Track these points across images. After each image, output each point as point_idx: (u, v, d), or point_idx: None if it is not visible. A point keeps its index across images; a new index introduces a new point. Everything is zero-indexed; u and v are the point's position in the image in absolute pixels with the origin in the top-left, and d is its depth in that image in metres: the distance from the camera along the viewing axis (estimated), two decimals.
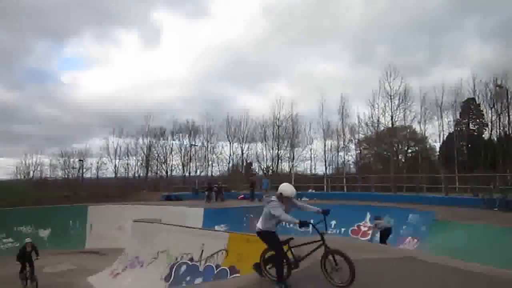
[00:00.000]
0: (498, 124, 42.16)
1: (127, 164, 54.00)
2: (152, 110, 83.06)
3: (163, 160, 54.02)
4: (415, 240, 14.81)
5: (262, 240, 6.50)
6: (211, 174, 51.72)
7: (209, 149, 53.43)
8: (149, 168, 54.12)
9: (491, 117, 43.03)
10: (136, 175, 54.19)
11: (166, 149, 53.97)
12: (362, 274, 7.30)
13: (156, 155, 54.14)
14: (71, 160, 54.10)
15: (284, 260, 6.27)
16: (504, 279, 6.76)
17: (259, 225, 6.47)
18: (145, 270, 15.08)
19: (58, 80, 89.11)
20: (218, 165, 53.93)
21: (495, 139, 42.82)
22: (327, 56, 78.54)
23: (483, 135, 45.55)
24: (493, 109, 42.43)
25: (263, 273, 6.66)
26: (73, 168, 53.97)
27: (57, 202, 29.46)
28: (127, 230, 19.21)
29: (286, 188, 6.30)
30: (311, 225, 5.89)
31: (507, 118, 41.13)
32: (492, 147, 41.82)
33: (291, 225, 6.32)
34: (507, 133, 41.65)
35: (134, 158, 54.09)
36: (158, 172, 54.39)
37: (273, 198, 6.27)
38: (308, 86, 73.74)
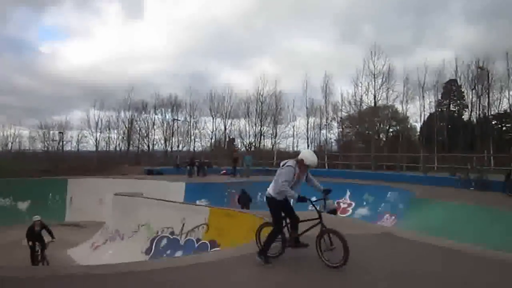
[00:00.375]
0: (478, 105, 42.78)
1: (108, 138, 53.42)
2: (134, 83, 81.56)
3: (145, 134, 53.61)
4: (393, 217, 15.13)
5: (268, 206, 6.25)
6: (194, 149, 51.60)
7: (191, 124, 53.12)
8: (131, 142, 53.64)
9: (472, 99, 43.63)
10: (118, 149, 53.69)
11: (148, 123, 53.49)
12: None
13: (138, 129, 53.64)
14: (51, 132, 53.17)
15: (279, 236, 6.12)
16: (475, 256, 6.98)
17: (269, 189, 6.18)
18: (125, 243, 15.12)
19: (37, 50, 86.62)
20: (201, 140, 53.78)
21: (475, 120, 43.52)
22: (312, 34, 77.96)
23: (463, 116, 46.23)
24: (473, 91, 42.97)
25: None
26: (53, 140, 53.13)
27: (36, 174, 29.11)
28: (108, 204, 19.15)
29: (308, 155, 5.99)
30: (309, 202, 5.80)
31: (486, 100, 41.74)
32: (471, 128, 42.53)
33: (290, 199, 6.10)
34: (486, 114, 42.35)
35: (116, 131, 53.50)
36: (140, 146, 53.98)
37: (290, 163, 5.95)
38: (292, 63, 73.34)
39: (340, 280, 5.44)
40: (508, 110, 41.12)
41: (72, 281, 5.33)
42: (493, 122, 43.45)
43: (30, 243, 13.06)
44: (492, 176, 17.73)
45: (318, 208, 5.92)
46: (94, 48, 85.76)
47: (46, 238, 13.46)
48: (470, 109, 44.45)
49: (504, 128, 44.04)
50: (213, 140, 53.50)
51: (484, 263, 6.53)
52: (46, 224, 13.63)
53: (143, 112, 53.28)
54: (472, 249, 7.44)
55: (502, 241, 8.51)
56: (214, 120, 52.44)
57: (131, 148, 53.73)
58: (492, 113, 42.64)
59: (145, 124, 53.51)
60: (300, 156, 6.00)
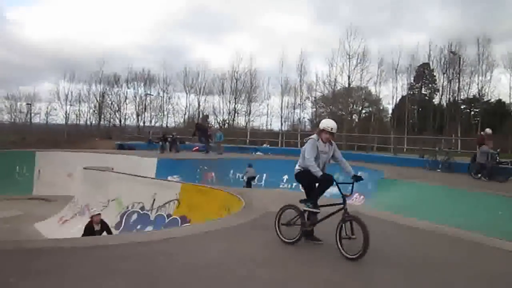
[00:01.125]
0: (448, 89, 43.80)
1: (79, 111, 52.43)
2: (106, 55, 79.74)
3: (117, 108, 52.77)
4: (362, 197, 15.40)
5: (299, 182, 6.15)
6: (166, 125, 51.12)
7: (165, 99, 52.51)
8: (102, 116, 52.79)
9: (443, 83, 44.56)
10: (88, 122, 52.76)
11: (120, 97, 52.62)
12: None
13: (110, 102, 52.72)
14: (18, 103, 51.68)
15: (299, 218, 5.92)
16: (437, 234, 7.23)
17: (296, 166, 6.01)
18: None
19: (2, 16, 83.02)
20: (174, 116, 53.34)
21: (445, 104, 44.53)
22: (290, 11, 77.43)
23: (434, 100, 47.26)
24: (445, 75, 43.86)
25: (276, 231, 6.17)
26: (20, 112, 51.70)
27: (3, 146, 28.29)
28: (77, 178, 18.83)
29: (324, 120, 6.04)
30: (334, 183, 5.55)
31: (457, 84, 42.69)
32: (441, 112, 43.53)
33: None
34: (456, 99, 43.37)
35: (86, 105, 52.50)
36: (111, 120, 53.20)
37: (312, 136, 5.89)
38: (268, 40, 72.91)
39: (309, 252, 5.53)
40: (477, 95, 42.17)
41: (39, 255, 5.23)
42: (462, 107, 44.59)
43: None
44: (459, 159, 18.23)
45: (343, 192, 5.54)
46: (65, 17, 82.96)
47: None
48: (441, 93, 45.46)
49: (472, 113, 45.27)
50: (186, 116, 53.07)
51: (446, 240, 6.78)
52: (107, 224, 10.68)
53: (115, 86, 52.34)
54: (434, 227, 7.69)
55: (465, 219, 8.82)
56: (188, 96, 51.98)
57: (102, 122, 52.86)
58: (461, 97, 43.72)
59: (117, 98, 52.63)
60: (320, 126, 5.92)
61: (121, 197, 14.60)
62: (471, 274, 5.06)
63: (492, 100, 42.92)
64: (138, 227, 13.27)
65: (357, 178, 5.66)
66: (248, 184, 18.68)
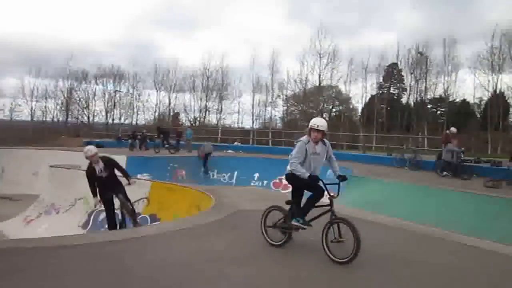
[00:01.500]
0: (416, 89, 44.81)
1: (45, 107, 50.82)
2: (74, 51, 77.58)
3: (85, 105, 51.50)
4: (332, 194, 15.63)
5: (288, 183, 5.87)
6: (136, 122, 50.36)
7: (134, 96, 51.67)
8: (69, 113, 51.42)
9: (410, 82, 45.57)
10: (55, 119, 51.32)
11: (88, 93, 51.32)
12: None
13: (77, 99, 51.40)
14: None
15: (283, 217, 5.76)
16: (404, 229, 7.41)
17: (288, 166, 5.67)
18: (61, 217, 14.60)
19: None
20: (144, 113, 52.50)
21: (412, 103, 45.58)
22: (262, 9, 77.47)
23: (402, 99, 48.32)
24: (412, 75, 44.84)
25: (263, 234, 5.99)
26: None
27: None
28: (44, 176, 18.33)
29: (313, 119, 5.70)
30: (321, 184, 5.37)
31: (424, 84, 43.74)
32: (409, 111, 44.54)
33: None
34: (423, 98, 44.46)
35: (53, 101, 50.97)
36: (79, 117, 51.88)
37: (302, 138, 5.57)
38: (240, 38, 72.78)
39: (279, 251, 5.57)
40: (443, 95, 43.36)
41: (1, 256, 5.08)
42: (429, 106, 45.77)
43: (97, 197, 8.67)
44: (425, 157, 18.73)
45: (330, 193, 5.35)
46: (30, 8, 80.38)
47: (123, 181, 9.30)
48: (408, 93, 46.48)
49: (438, 112, 46.52)
50: (157, 114, 52.43)
51: (413, 236, 6.95)
52: (111, 159, 9.34)
53: (83, 82, 50.98)
54: (401, 224, 7.87)
55: (431, 215, 9.06)
56: (158, 93, 51.30)
57: (69, 119, 51.55)
58: (428, 97, 44.87)
59: (85, 94, 51.34)
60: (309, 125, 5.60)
61: (88, 196, 14.29)
62: (435, 269, 5.20)
63: (457, 100, 44.21)
64: (106, 226, 13.02)
65: (343, 178, 5.52)
66: (206, 159, 19.81)
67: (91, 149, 8.95)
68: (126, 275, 4.52)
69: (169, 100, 51.29)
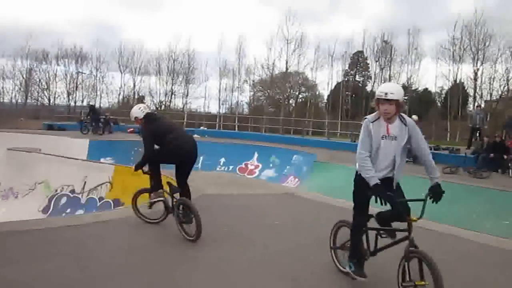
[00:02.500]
0: (380, 77, 45.70)
1: (2, 88, 48.72)
2: (34, 30, 74.47)
3: (45, 87, 49.72)
4: (296, 179, 15.81)
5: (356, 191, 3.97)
6: (100, 105, 49.13)
7: (98, 78, 50.29)
8: (29, 94, 49.56)
9: (375, 70, 46.43)
10: (13, 100, 49.35)
11: (49, 74, 49.54)
12: (248, 203, 7.76)
13: (37, 80, 49.55)
14: None
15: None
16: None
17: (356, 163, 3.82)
18: (20, 201, 14.21)
19: None
20: (108, 96, 51.25)
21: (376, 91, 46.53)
22: None
23: (367, 87, 49.20)
24: (377, 63, 45.68)
25: (332, 256, 4.55)
26: None
27: None
28: (1, 160, 17.70)
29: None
30: (391, 201, 3.58)
31: (388, 72, 44.67)
32: (373, 98, 45.35)
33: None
34: None
35: (11, 81, 48.92)
36: (39, 99, 50.11)
37: (369, 116, 3.80)
38: (207, 21, 71.72)
39: (238, 227, 5.63)
40: (406, 84, 44.42)
41: None
42: None
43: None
44: None
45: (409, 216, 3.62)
46: None
47: None
48: (373, 80, 47.36)
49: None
50: (121, 97, 51.31)
51: None
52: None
53: (44, 62, 49.11)
54: None
55: None
56: (123, 76, 50.11)
57: (29, 100, 49.68)
58: None
59: (45, 75, 49.50)
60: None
61: (49, 180, 13.95)
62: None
63: (420, 88, 45.42)
64: (68, 210, 12.77)
65: (437, 194, 3.57)
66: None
67: None
68: (89, 260, 4.46)
69: (134, 83, 50.25)
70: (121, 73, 49.89)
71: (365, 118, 3.76)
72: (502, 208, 9.69)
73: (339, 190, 10.93)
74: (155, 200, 5.93)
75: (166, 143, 5.62)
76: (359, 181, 3.73)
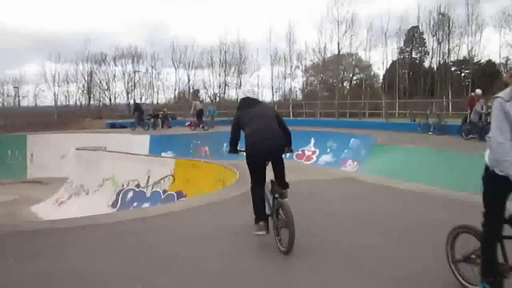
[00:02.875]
0: (438, 52, 43.56)
1: (67, 92, 51.55)
2: (91, 33, 77.88)
3: (106, 87, 52.04)
4: (355, 163, 15.53)
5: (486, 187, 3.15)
6: (157, 101, 50.70)
7: (153, 76, 51.86)
8: (91, 96, 52.09)
9: (433, 45, 44.30)
10: (78, 103, 52.09)
11: (108, 75, 51.72)
12: (310, 190, 7.70)
13: (98, 81, 51.92)
14: (5, 87, 50.79)
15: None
16: (430, 195, 7.36)
17: (486, 155, 3.14)
18: (90, 197, 15.03)
19: None
20: (164, 92, 52.77)
21: (435, 67, 44.40)
22: None
23: (424, 63, 47.09)
24: (434, 38, 43.54)
25: (452, 270, 3.62)
26: (8, 96, 50.88)
27: None
28: (70, 159, 18.78)
29: None
30: None
31: (447, 46, 42.49)
32: (432, 75, 43.46)
33: None
34: (446, 61, 43.25)
35: (75, 85, 51.58)
36: (101, 99, 52.55)
37: (500, 94, 3.01)
38: (255, 10, 71.65)
39: (308, 220, 5.61)
40: (467, 57, 42.09)
41: (36, 236, 5.27)
42: (453, 69, 44.49)
43: None
44: (450, 121, 18.35)
45: None
46: None
47: None
48: (431, 56, 45.25)
49: (463, 74, 45.23)
50: (176, 92, 52.63)
51: (439, 202, 6.89)
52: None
53: (103, 64, 51.35)
54: (428, 190, 7.81)
55: (456, 181, 8.92)
56: (177, 71, 51.33)
57: (92, 101, 52.25)
58: (451, 59, 43.61)
59: (105, 76, 51.77)
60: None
61: (115, 176, 14.62)
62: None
63: (482, 60, 42.83)
64: (135, 204, 13.34)
65: None
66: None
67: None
68: (155, 250, 4.63)
69: (188, 77, 51.32)
70: (175, 68, 51.13)
71: (497, 97, 2.96)
72: None
73: (402, 172, 10.62)
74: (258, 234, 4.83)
75: (246, 139, 4.93)
76: (493, 178, 3.02)
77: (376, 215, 6.01)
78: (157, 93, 52.39)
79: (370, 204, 6.82)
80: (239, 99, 5.43)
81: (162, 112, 27.04)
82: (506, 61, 41.89)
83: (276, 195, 4.78)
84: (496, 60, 42.41)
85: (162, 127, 25.59)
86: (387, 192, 7.75)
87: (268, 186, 4.93)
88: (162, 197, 12.79)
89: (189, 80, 51.50)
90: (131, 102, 51.00)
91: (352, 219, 5.87)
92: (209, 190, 9.94)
